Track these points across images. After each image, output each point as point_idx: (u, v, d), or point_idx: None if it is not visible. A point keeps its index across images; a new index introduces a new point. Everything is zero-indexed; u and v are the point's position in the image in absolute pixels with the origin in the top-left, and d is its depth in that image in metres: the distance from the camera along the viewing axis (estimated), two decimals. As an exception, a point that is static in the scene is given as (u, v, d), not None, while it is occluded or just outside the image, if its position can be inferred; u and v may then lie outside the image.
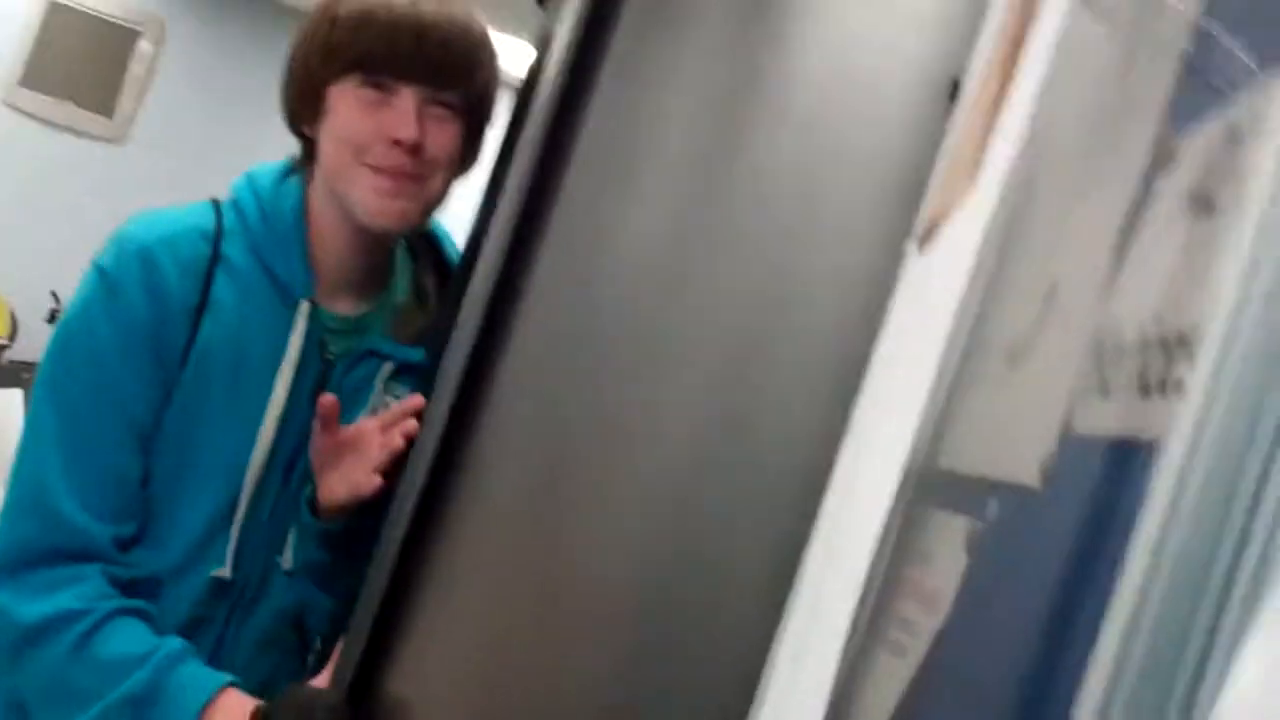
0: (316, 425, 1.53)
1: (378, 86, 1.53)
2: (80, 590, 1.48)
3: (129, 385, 1.52)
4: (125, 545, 1.53)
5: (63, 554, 1.49)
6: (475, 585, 1.36)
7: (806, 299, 1.27)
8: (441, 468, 1.35)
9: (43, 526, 1.50)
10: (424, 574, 1.36)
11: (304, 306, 1.58)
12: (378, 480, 1.49)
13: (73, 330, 1.54)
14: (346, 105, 1.54)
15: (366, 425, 1.52)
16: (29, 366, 4.73)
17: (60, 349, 1.55)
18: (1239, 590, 0.40)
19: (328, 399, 1.52)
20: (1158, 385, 0.48)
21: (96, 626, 1.47)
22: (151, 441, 1.53)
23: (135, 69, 5.69)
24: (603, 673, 1.31)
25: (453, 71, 1.54)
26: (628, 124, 1.34)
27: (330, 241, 1.60)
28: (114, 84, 5.69)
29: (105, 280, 1.53)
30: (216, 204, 1.61)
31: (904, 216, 1.17)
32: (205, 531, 1.55)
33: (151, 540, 1.55)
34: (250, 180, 1.63)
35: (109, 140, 5.71)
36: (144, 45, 5.70)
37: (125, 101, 5.70)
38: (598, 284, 1.34)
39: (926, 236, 0.96)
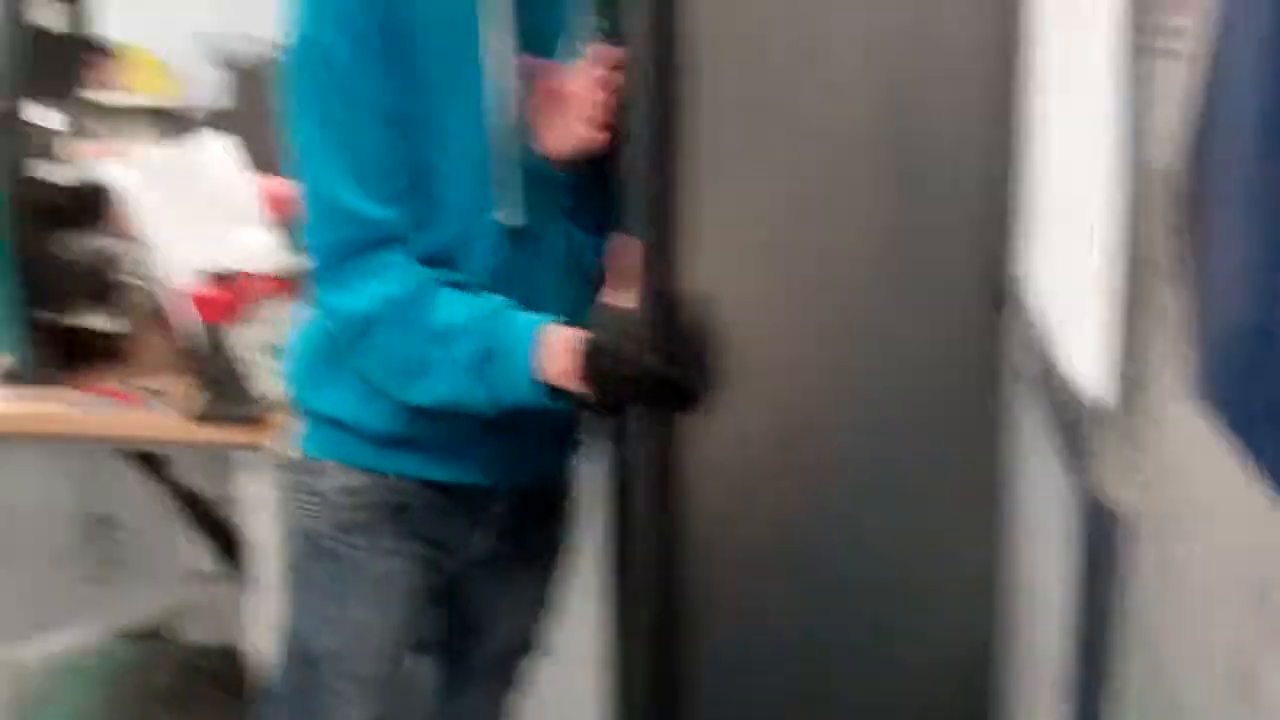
0: (530, 83, 1.59)
1: None
2: (393, 274, 1.61)
3: (369, 79, 1.60)
4: (414, 224, 1.64)
5: (366, 245, 1.61)
6: (731, 182, 1.42)
7: None
8: (664, 68, 1.40)
9: (341, 226, 1.62)
10: (681, 178, 1.43)
11: None
12: (599, 133, 1.56)
13: (307, 44, 1.62)
14: None
15: (579, 77, 1.57)
16: (213, 113, 4.87)
17: (298, 67, 1.63)
18: None
19: (533, 62, 1.57)
20: None
21: (419, 301, 1.60)
22: (405, 122, 1.62)
23: None
24: (859, 220, 1.37)
25: None
26: None
27: None
28: None
29: None
30: None
31: None
32: (476, 188, 1.65)
33: (432, 212, 1.65)
34: None
35: None
36: None
37: None
38: None
39: None
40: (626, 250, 1.52)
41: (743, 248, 1.44)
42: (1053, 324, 1.09)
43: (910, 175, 1.36)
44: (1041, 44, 1.17)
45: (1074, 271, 1.00)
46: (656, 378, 1.46)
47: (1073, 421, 0.96)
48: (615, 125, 1.55)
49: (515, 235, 1.68)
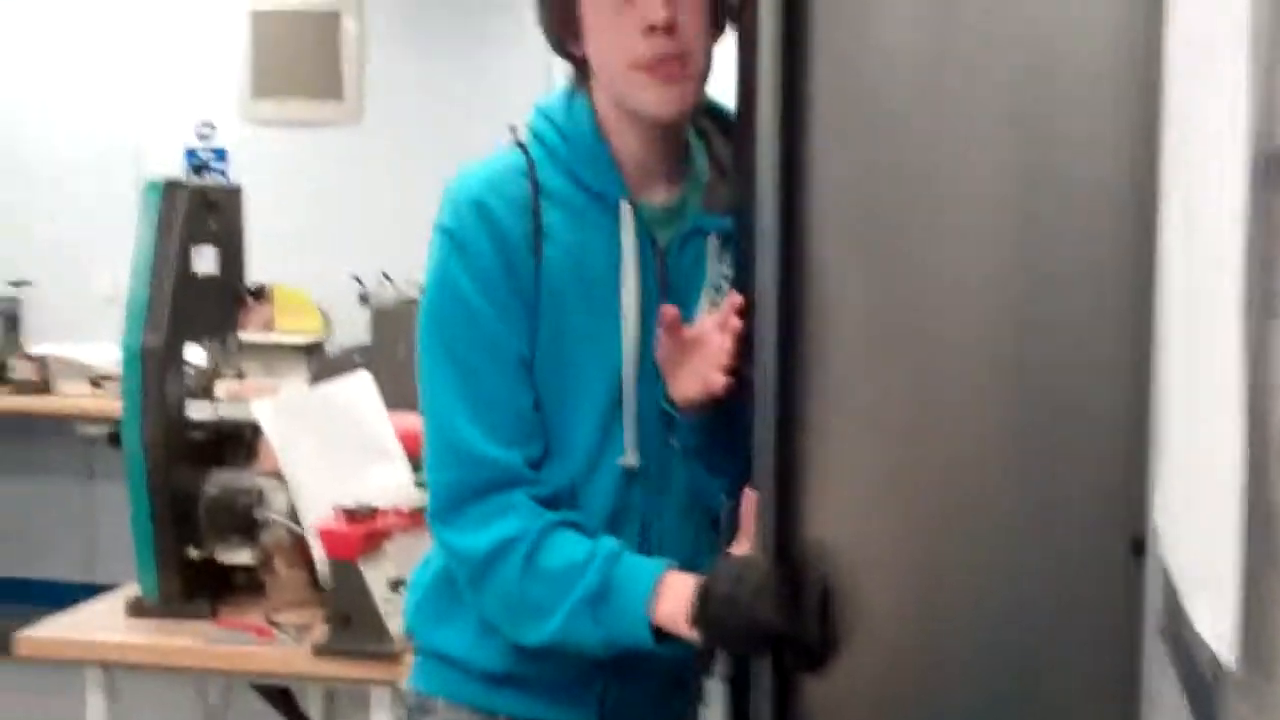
0: (660, 330, 1.63)
1: None
2: (513, 516, 1.64)
3: (499, 324, 1.66)
4: (536, 465, 1.68)
5: (488, 487, 1.65)
6: (853, 417, 1.43)
7: (1080, 25, 1.28)
8: (787, 319, 1.42)
9: (463, 467, 1.66)
10: (804, 423, 1.44)
11: (624, 206, 1.70)
12: (723, 379, 1.59)
13: (438, 290, 1.70)
14: (598, 14, 1.64)
15: (706, 325, 1.62)
16: (355, 350, 5.02)
17: (432, 310, 1.71)
18: None
19: (668, 310, 1.62)
20: None
21: (537, 543, 1.62)
22: (532, 366, 1.68)
23: (347, 49, 5.90)
24: (989, 450, 1.36)
25: None
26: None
27: (628, 142, 1.70)
28: (333, 68, 5.91)
29: (451, 238, 1.68)
30: (519, 143, 1.74)
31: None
32: (600, 432, 1.69)
33: (555, 454, 1.69)
34: (541, 112, 1.76)
35: (346, 122, 5.94)
36: (348, 24, 5.88)
37: (349, 82, 5.91)
38: (869, 88, 1.39)
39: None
40: (752, 501, 1.53)
41: (866, 487, 1.44)
42: (1184, 576, 1.06)
43: (1043, 409, 1.34)
44: (1167, 277, 1.17)
45: (1204, 521, 0.98)
46: (773, 632, 1.45)
47: (1204, 685, 0.93)
48: (742, 370, 1.58)
49: (637, 476, 1.71)
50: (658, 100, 1.64)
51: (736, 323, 1.57)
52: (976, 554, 1.38)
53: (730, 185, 1.72)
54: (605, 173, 1.70)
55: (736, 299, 1.58)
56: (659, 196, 1.73)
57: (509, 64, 5.78)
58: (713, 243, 1.73)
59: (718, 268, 1.72)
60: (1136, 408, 1.24)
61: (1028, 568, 1.36)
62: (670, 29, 1.60)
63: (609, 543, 1.63)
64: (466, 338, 1.67)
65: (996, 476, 1.36)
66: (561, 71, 1.73)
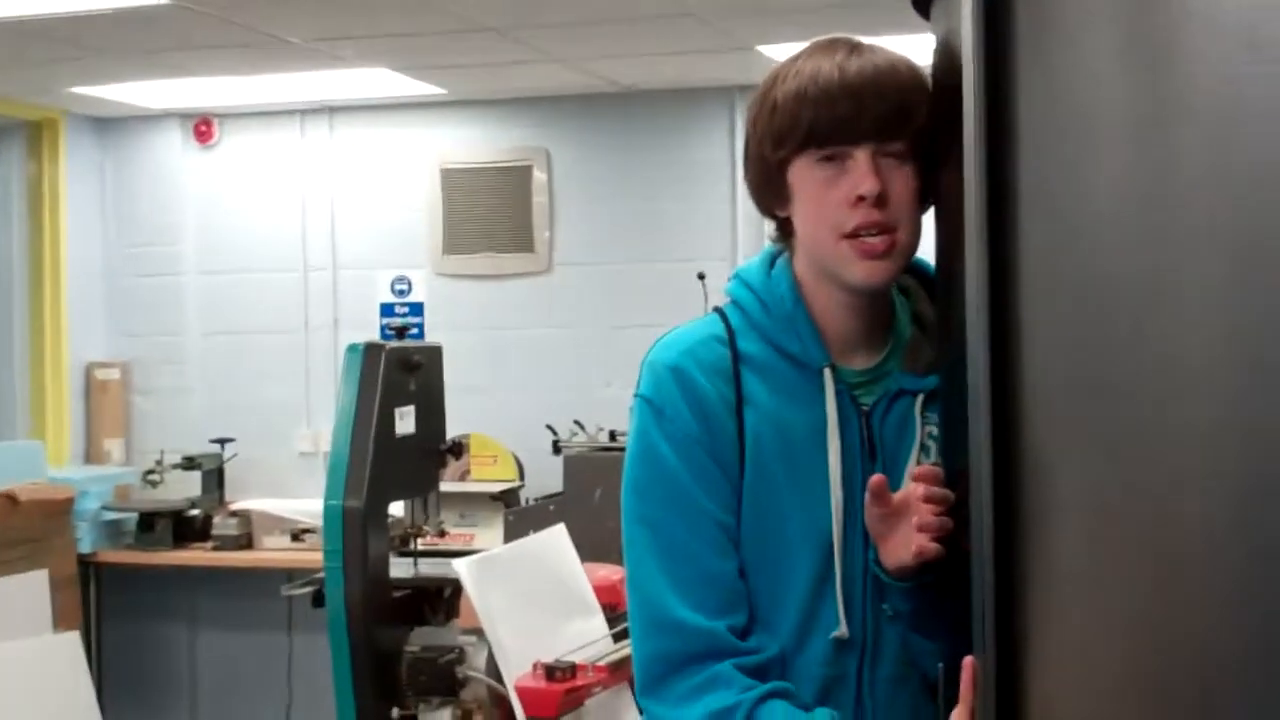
0: (868, 498, 1.59)
1: (830, 159, 1.62)
2: (723, 689, 1.60)
3: (701, 492, 1.66)
4: (742, 633, 1.65)
5: (695, 657, 1.63)
6: (1076, 592, 1.37)
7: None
8: (1001, 485, 1.37)
9: (668, 637, 1.64)
10: (1023, 596, 1.38)
11: (827, 373, 1.68)
12: (935, 546, 1.55)
13: (638, 458, 1.70)
14: (806, 184, 1.64)
15: (913, 492, 1.58)
16: (549, 499, 5.05)
17: (633, 479, 1.70)
18: None
19: (877, 478, 1.59)
20: None
21: (749, 717, 1.59)
22: (737, 534, 1.66)
23: (538, 199, 6.03)
24: (1227, 633, 1.28)
25: (893, 122, 1.61)
26: (1058, 98, 1.34)
27: (830, 309, 1.69)
28: (524, 221, 6.04)
29: (650, 406, 1.69)
30: (719, 310, 1.75)
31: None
32: (809, 601, 1.66)
33: (763, 622, 1.66)
34: (740, 279, 1.76)
35: (537, 273, 6.05)
36: (538, 175, 6.03)
37: (539, 233, 6.03)
38: (1083, 252, 1.34)
39: None
40: (971, 674, 1.46)
41: (1092, 666, 1.36)
42: None
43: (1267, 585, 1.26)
44: None
45: None
46: None
47: None
48: (954, 535, 1.53)
49: (849, 645, 1.66)
50: (865, 273, 1.63)
51: (937, 493, 1.53)
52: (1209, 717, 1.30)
53: (933, 343, 1.70)
54: (807, 340, 1.69)
55: (927, 471, 1.55)
56: (860, 360, 1.71)
57: (694, 210, 5.85)
58: (918, 403, 1.69)
59: (923, 428, 1.69)
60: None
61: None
62: (880, 202, 1.60)
63: (822, 714, 1.60)
64: (666, 504, 1.67)
65: (1236, 662, 1.28)
66: (745, 219, 1.77)
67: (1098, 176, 1.32)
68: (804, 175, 1.64)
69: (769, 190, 1.70)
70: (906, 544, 1.57)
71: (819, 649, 1.66)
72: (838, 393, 1.67)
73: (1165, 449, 1.29)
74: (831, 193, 1.62)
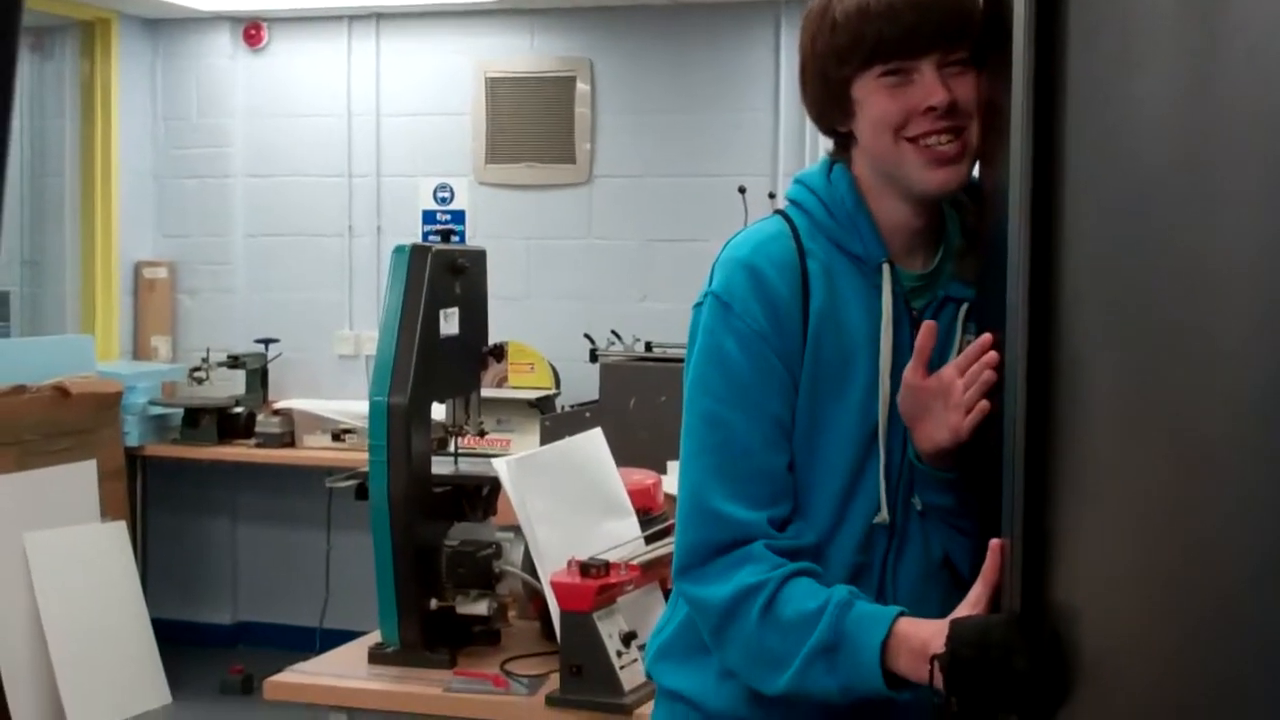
0: (906, 374, 1.66)
1: (896, 71, 1.66)
2: (752, 567, 1.67)
3: (764, 389, 1.71)
4: (782, 524, 1.71)
5: (729, 545, 1.69)
6: (1103, 482, 1.42)
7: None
8: (1036, 380, 1.42)
9: (708, 528, 1.71)
10: (1053, 488, 1.43)
11: (885, 270, 1.73)
12: (969, 422, 1.60)
13: (704, 353, 1.74)
14: (874, 97, 1.68)
15: (947, 373, 1.63)
16: (586, 406, 5.12)
17: (697, 373, 1.75)
18: None
19: (928, 326, 1.66)
20: None
21: (774, 594, 1.66)
22: (792, 428, 1.72)
23: (580, 110, 6.05)
24: (1248, 532, 1.33)
25: (956, 31, 1.65)
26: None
27: (890, 213, 1.74)
28: (566, 132, 6.07)
29: (720, 302, 1.73)
30: (781, 212, 1.80)
31: None
32: (847, 489, 1.72)
33: (803, 510, 1.73)
34: (801, 183, 1.81)
35: (577, 184, 6.08)
36: (581, 87, 6.04)
37: (580, 144, 6.06)
38: (1126, 156, 1.38)
39: None
40: (997, 556, 1.52)
41: (1116, 556, 1.42)
42: None
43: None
44: None
45: None
46: (1020, 686, 1.43)
47: None
48: (986, 434, 1.58)
49: (882, 532, 1.73)
50: (932, 178, 1.68)
51: (990, 358, 1.58)
52: (1229, 635, 1.35)
53: (980, 255, 1.74)
54: (868, 238, 1.74)
55: (984, 339, 1.59)
56: (916, 263, 1.76)
57: (736, 124, 5.86)
58: (962, 311, 1.75)
59: (962, 336, 1.74)
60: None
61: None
62: (950, 110, 1.64)
63: (842, 591, 1.65)
64: (728, 401, 1.72)
65: (1255, 561, 1.33)
66: (786, 134, 1.79)
67: (1143, 84, 1.35)
68: (869, 88, 1.68)
69: (833, 106, 1.73)
70: (941, 425, 1.64)
71: (849, 539, 1.72)
72: (893, 293, 1.72)
73: (1193, 354, 1.34)
74: (898, 101, 1.66)
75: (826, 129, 1.78)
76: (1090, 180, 1.39)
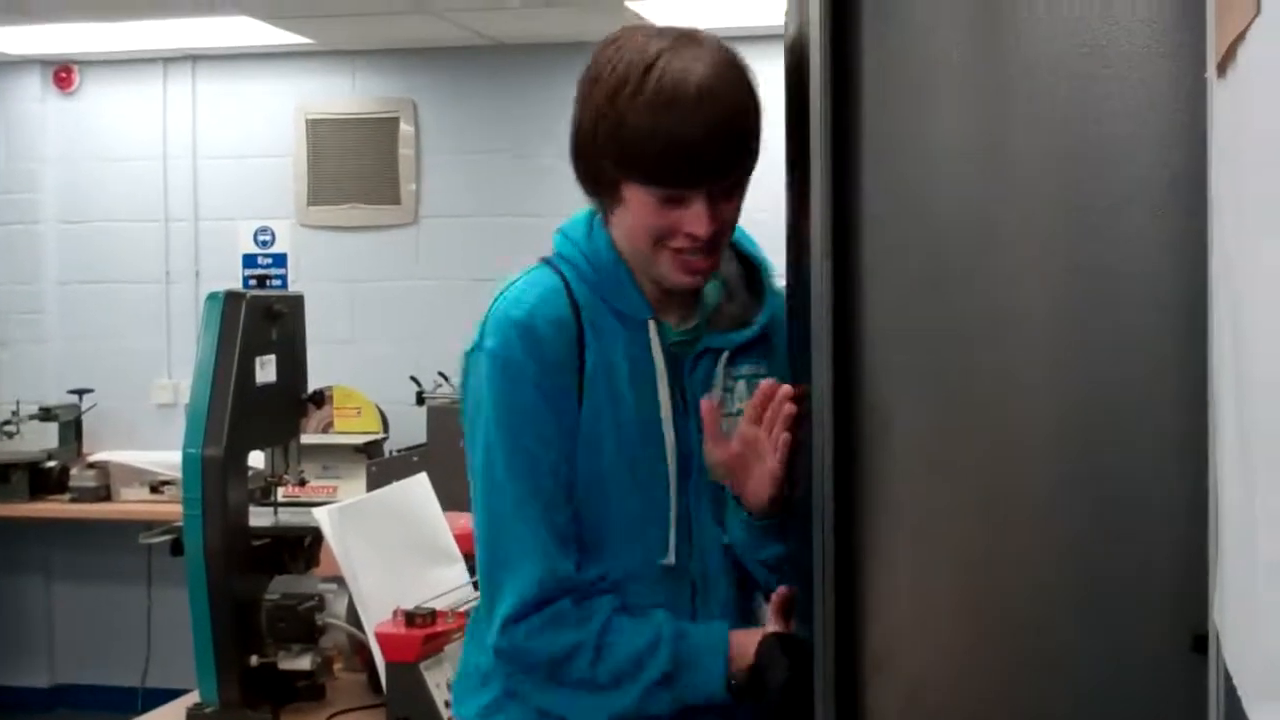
0: (711, 454, 1.71)
1: (670, 199, 1.65)
2: (572, 618, 1.71)
3: (542, 446, 1.72)
4: (578, 567, 1.73)
5: (541, 602, 1.71)
6: (910, 521, 1.43)
7: (1118, 149, 1.30)
8: (842, 421, 1.43)
9: (516, 583, 1.71)
10: (858, 519, 1.45)
11: (652, 325, 1.76)
12: (780, 456, 1.65)
13: (479, 412, 1.74)
14: (642, 206, 1.68)
15: (745, 430, 1.68)
16: (413, 450, 5.06)
17: (483, 431, 1.74)
18: None
19: (707, 404, 1.71)
20: None
21: (599, 644, 1.69)
22: (574, 478, 1.73)
23: (405, 151, 6.00)
24: (1048, 545, 1.36)
25: (737, 160, 1.67)
26: (901, 54, 1.40)
27: (646, 282, 1.77)
28: (390, 173, 6.01)
29: (495, 360, 1.72)
30: (548, 261, 1.80)
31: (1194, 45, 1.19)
32: (639, 529, 1.75)
33: (599, 553, 1.75)
34: (565, 237, 1.81)
35: (403, 225, 6.03)
36: (404, 128, 5.99)
37: (405, 185, 6.01)
38: (919, 199, 1.40)
39: (1224, 64, 0.99)
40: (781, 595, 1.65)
41: (922, 584, 1.43)
42: (1246, 682, 1.05)
43: (1102, 506, 1.34)
44: (1221, 371, 1.17)
45: (1267, 628, 0.98)
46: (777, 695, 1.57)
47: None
48: (790, 463, 1.62)
49: (677, 576, 1.76)
50: (684, 280, 1.73)
51: (787, 410, 1.62)
52: (1036, 651, 1.38)
53: (735, 302, 1.81)
54: (630, 296, 1.76)
55: (776, 387, 1.64)
56: (675, 318, 1.79)
57: (560, 164, 5.84)
58: (722, 359, 1.79)
59: (724, 380, 1.79)
60: (1198, 506, 1.23)
61: (1088, 667, 1.35)
62: (710, 243, 1.68)
63: (667, 623, 1.71)
64: (512, 457, 1.72)
65: (1054, 574, 1.36)
66: None
67: (936, 131, 1.38)
68: (640, 197, 1.67)
69: (601, 189, 1.73)
70: (762, 479, 1.67)
71: (650, 578, 1.75)
72: (663, 350, 1.76)
73: (993, 393, 1.36)
74: (664, 218, 1.66)
75: (591, 196, 1.77)
76: (889, 230, 1.42)
